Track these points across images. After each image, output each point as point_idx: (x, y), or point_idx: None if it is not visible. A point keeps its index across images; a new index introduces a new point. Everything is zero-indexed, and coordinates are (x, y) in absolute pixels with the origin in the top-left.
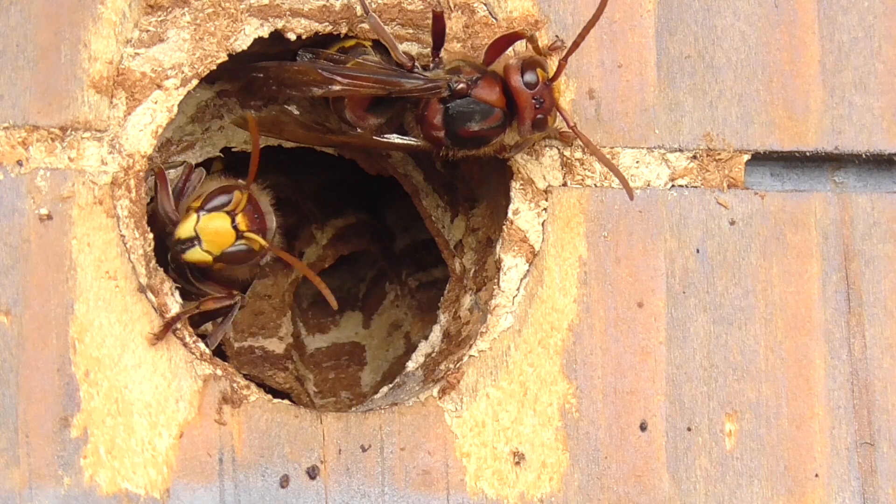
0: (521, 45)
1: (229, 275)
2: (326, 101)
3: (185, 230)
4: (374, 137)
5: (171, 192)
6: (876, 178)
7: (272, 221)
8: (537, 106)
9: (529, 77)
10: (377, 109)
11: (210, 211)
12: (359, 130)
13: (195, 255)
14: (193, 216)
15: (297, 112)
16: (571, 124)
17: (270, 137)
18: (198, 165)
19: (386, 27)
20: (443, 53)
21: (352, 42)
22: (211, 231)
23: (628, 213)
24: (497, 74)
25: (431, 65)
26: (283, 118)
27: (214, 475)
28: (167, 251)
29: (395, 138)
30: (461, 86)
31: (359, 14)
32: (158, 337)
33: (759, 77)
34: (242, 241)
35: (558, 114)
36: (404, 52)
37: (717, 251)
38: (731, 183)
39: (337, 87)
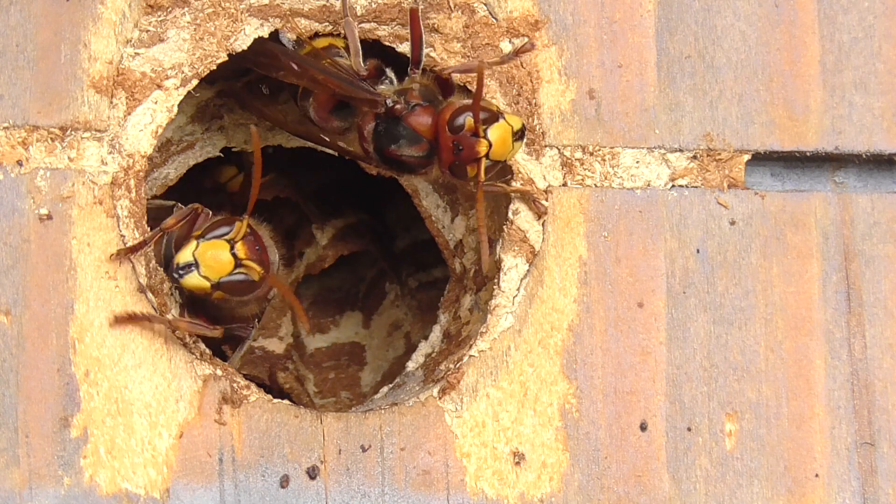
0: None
1: (233, 311)
2: (295, 94)
3: (183, 256)
4: (321, 135)
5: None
6: (876, 178)
7: (274, 255)
8: (455, 151)
9: (456, 121)
10: (341, 114)
11: (210, 239)
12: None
13: (192, 280)
14: (193, 243)
15: (265, 91)
16: (481, 181)
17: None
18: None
19: (385, 27)
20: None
21: (325, 42)
22: (209, 256)
23: (628, 213)
24: (441, 107)
25: (407, 79)
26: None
27: (214, 475)
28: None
29: (337, 139)
30: (397, 106)
31: (358, 14)
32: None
33: (760, 77)
34: (241, 270)
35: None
36: (370, 63)
37: (717, 251)
38: (731, 183)
39: (289, 74)
